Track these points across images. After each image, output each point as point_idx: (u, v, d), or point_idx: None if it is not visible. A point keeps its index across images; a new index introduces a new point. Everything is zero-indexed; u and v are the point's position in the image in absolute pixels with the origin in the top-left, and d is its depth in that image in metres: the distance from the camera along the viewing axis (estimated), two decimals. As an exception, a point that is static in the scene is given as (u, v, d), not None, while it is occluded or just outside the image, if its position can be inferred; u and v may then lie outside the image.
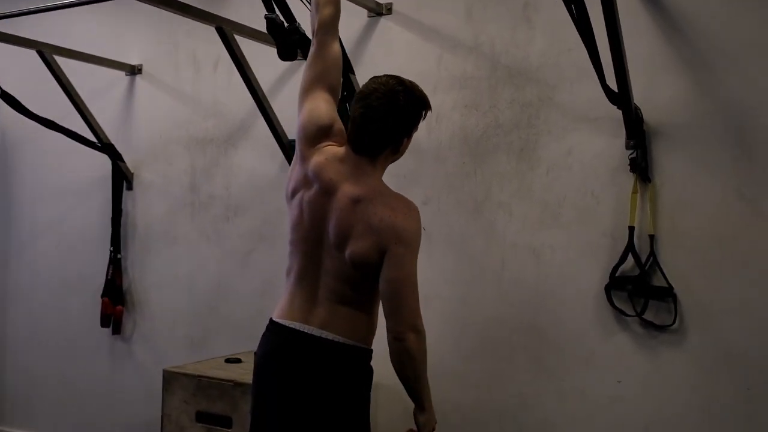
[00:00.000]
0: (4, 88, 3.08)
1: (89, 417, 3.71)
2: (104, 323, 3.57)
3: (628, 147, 2.45)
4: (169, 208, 3.50)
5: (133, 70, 3.58)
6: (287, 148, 3.07)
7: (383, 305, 1.90)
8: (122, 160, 3.55)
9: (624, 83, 2.25)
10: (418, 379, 1.93)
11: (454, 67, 2.80)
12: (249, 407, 2.11)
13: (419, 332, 1.88)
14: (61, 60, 3.31)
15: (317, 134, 1.99)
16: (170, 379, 2.76)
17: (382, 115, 1.89)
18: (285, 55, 2.40)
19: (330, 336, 1.91)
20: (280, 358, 1.96)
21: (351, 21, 2.88)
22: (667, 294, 2.40)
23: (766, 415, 2.29)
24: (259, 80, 2.98)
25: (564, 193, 2.60)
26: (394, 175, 2.05)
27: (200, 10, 2.73)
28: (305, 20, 2.36)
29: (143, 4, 2.61)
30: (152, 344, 3.53)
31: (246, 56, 2.90)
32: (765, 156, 2.30)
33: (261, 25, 2.47)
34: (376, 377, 2.02)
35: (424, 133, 2.67)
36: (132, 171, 3.59)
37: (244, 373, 2.63)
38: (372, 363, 2.00)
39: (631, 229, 2.45)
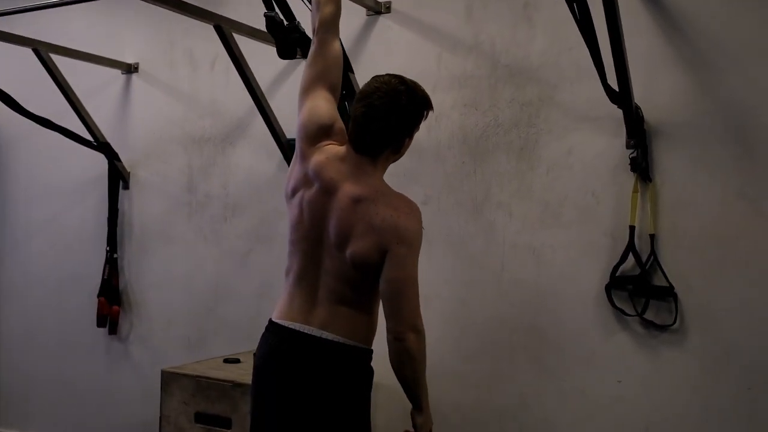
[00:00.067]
0: (-1, 86, 3.06)
1: (85, 418, 3.69)
2: (100, 323, 3.55)
3: (628, 146, 2.45)
4: (166, 207, 3.48)
5: (130, 69, 3.56)
6: (285, 147, 3.06)
7: (384, 305, 1.89)
8: (118, 159, 3.53)
9: (625, 82, 2.25)
10: (417, 379, 1.92)
11: (454, 66, 2.79)
12: (249, 408, 2.09)
13: (419, 332, 1.88)
14: (56, 58, 3.29)
15: (318, 133, 1.98)
16: (169, 379, 2.74)
17: (384, 115, 1.87)
18: (284, 53, 2.39)
19: (330, 336, 1.90)
20: (280, 358, 1.94)
21: (350, 19, 2.86)
22: (668, 294, 2.40)
23: (767, 415, 2.29)
24: (257, 79, 2.96)
25: (564, 192, 2.59)
26: (394, 175, 2.04)
27: (198, 8, 2.71)
28: (304, 19, 2.35)
29: (140, 1, 2.60)
30: (149, 345, 3.51)
31: (244, 54, 2.88)
32: (766, 155, 2.30)
33: (259, 24, 2.46)
34: (376, 377, 2.01)
35: (423, 132, 2.63)
36: (128, 170, 3.57)
37: (244, 374, 2.61)
38: (372, 363, 1.99)
39: (632, 228, 2.45)
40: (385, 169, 1.98)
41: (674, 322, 2.40)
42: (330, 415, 1.91)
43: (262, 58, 2.99)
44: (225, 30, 2.77)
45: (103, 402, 3.63)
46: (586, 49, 2.13)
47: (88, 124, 3.44)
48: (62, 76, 3.32)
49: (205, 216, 3.37)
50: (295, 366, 1.92)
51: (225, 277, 3.32)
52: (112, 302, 3.55)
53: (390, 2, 2.92)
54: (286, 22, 2.40)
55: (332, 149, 1.96)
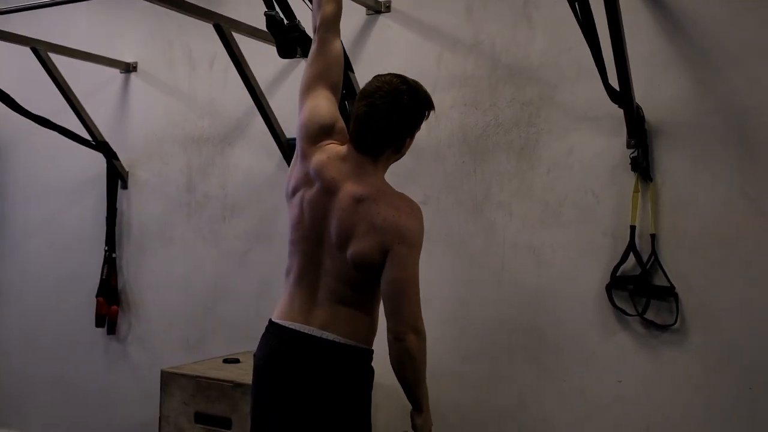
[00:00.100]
0: (-3, 85, 3.05)
1: (83, 418, 3.68)
2: (99, 323, 3.54)
3: (629, 146, 2.44)
4: (164, 207, 3.47)
5: (128, 68, 3.56)
6: (285, 146, 3.05)
7: (384, 305, 1.88)
8: (117, 159, 3.52)
9: (626, 82, 2.25)
10: (417, 380, 1.92)
11: (454, 66, 2.79)
12: (249, 408, 2.09)
13: (420, 333, 1.87)
14: (55, 57, 3.28)
15: (319, 132, 1.97)
16: (168, 380, 2.73)
17: (386, 114, 1.87)
18: (284, 52, 2.39)
19: (331, 337, 1.89)
20: (280, 359, 1.94)
21: (349, 19, 2.85)
22: (669, 293, 2.40)
23: (768, 414, 2.30)
24: (257, 78, 2.95)
25: (565, 192, 2.59)
26: (393, 174, 2.03)
27: (197, 6, 2.70)
28: (304, 17, 2.35)
29: (138, 0, 2.58)
30: (148, 345, 3.50)
31: (243, 54, 2.88)
32: (767, 155, 2.30)
33: (259, 23, 2.46)
34: (376, 377, 2.00)
35: (423, 132, 2.62)
36: (127, 169, 3.56)
37: (244, 374, 2.60)
38: (372, 363, 1.98)
39: (633, 228, 2.44)
40: (386, 168, 1.98)
41: (675, 322, 2.40)
42: (330, 416, 1.91)
43: (262, 57, 2.98)
44: (224, 29, 2.76)
45: (102, 402, 3.62)
46: (587, 48, 2.13)
47: (86, 123, 3.43)
48: (61, 75, 3.31)
49: (203, 216, 3.36)
50: (296, 367, 1.91)
51: (224, 277, 3.31)
52: (110, 302, 3.54)
53: (390, 2, 2.91)
54: (286, 21, 2.40)
55: (333, 149, 1.96)
